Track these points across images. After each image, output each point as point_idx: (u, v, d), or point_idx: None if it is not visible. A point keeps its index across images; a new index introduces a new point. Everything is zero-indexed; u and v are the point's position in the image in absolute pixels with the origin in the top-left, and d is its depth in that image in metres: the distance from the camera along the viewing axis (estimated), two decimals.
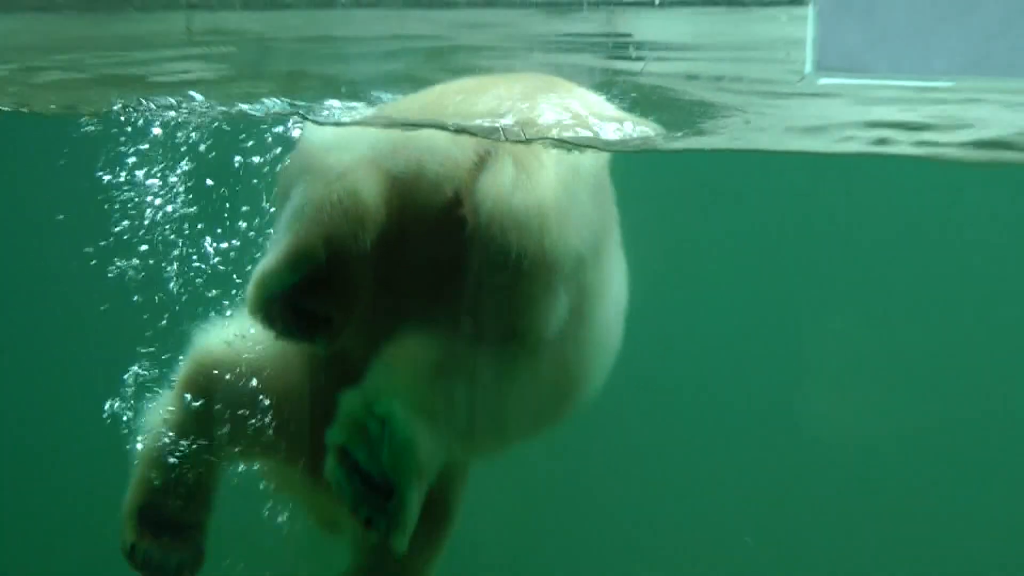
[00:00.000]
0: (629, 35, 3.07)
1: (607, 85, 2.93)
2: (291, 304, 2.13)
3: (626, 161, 2.66)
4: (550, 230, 2.10)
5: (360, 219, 2.05)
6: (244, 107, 2.80)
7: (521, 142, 2.20)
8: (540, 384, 2.31)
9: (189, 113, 2.89)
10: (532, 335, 2.15)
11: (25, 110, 3.34)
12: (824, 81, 1.96)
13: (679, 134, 2.80)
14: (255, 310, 2.15)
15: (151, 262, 2.92)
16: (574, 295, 2.24)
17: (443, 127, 2.22)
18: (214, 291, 2.92)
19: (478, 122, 2.22)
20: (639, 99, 2.84)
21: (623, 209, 2.65)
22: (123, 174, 2.94)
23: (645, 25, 3.03)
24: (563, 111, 2.32)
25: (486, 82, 2.44)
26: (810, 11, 1.85)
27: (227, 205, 2.83)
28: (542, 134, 2.24)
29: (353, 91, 2.74)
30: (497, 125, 2.22)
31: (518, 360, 2.20)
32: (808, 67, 1.88)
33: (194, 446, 2.65)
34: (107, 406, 2.98)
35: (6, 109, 3.30)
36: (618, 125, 2.49)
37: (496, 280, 2.10)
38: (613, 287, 2.55)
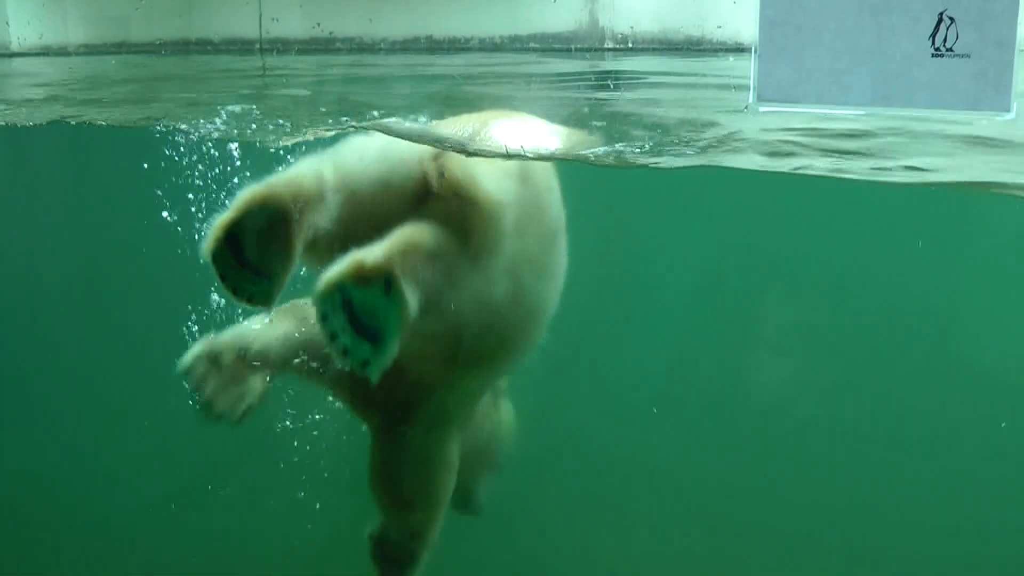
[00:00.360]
0: (609, 72, 3.54)
1: (588, 113, 3.39)
2: (239, 253, 2.38)
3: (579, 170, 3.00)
4: (484, 185, 2.59)
5: (298, 196, 2.40)
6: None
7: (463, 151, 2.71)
8: (488, 295, 2.68)
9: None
10: (477, 252, 2.59)
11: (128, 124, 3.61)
12: (763, 109, 2.15)
13: (626, 150, 3.10)
14: (210, 250, 2.36)
15: None
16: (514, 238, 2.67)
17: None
18: None
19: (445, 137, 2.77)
20: (613, 119, 3.22)
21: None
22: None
23: (621, 64, 3.48)
24: (504, 132, 2.80)
25: (468, 117, 2.92)
26: (752, 55, 2.09)
27: None
28: (481, 146, 2.77)
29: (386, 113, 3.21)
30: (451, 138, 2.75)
31: (472, 271, 2.61)
32: (751, 98, 2.11)
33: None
34: None
35: (115, 125, 3.61)
36: (555, 144, 2.95)
37: (454, 214, 2.56)
38: (553, 259, 2.93)
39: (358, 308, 2.28)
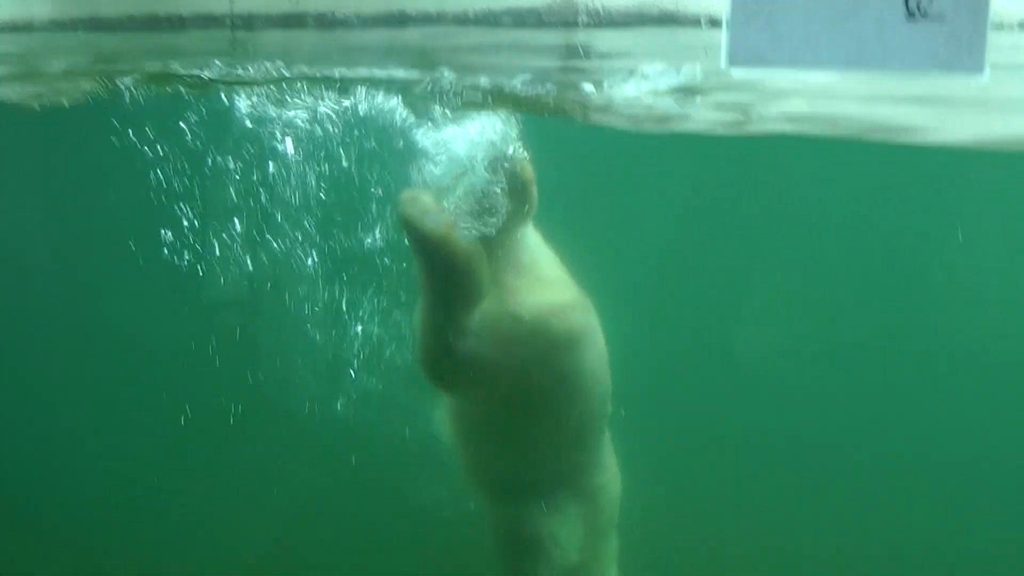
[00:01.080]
0: (582, 42, 3.53)
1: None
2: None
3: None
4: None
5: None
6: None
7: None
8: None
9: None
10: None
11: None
12: (735, 73, 2.15)
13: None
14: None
15: None
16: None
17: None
18: None
19: None
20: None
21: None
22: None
23: (596, 34, 3.47)
24: None
25: None
26: (723, 21, 2.10)
27: None
28: None
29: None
30: None
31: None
32: (724, 63, 2.13)
33: None
34: None
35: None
36: None
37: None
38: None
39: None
